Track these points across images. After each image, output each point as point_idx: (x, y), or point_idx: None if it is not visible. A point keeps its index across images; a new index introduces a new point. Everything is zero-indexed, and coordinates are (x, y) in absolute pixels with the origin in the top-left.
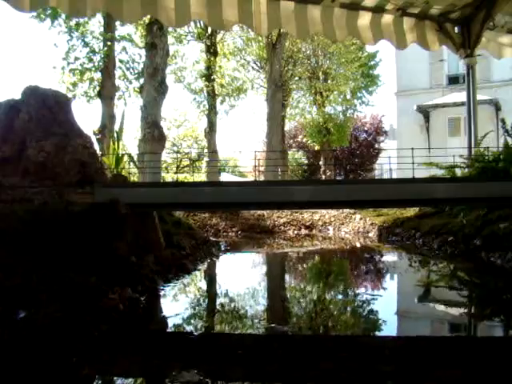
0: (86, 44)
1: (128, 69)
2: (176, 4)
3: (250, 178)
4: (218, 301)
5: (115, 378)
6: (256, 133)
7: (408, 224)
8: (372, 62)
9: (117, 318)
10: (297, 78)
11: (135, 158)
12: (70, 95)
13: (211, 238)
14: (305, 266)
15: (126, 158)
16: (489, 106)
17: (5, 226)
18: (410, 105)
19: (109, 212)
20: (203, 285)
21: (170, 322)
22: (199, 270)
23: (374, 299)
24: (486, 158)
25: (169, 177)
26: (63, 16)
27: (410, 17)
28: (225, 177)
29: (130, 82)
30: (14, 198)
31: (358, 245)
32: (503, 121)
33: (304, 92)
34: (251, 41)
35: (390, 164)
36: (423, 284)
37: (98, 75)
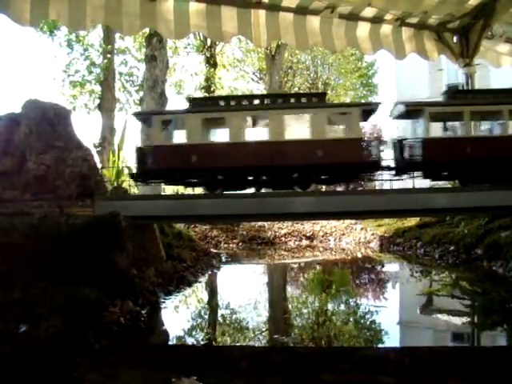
0: (87, 57)
1: (128, 81)
2: (175, 16)
3: (251, 190)
4: (220, 313)
5: None
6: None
7: (409, 234)
8: (371, 71)
9: (118, 331)
10: (296, 89)
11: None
12: (70, 107)
13: (212, 250)
14: (306, 276)
15: (126, 170)
16: None
17: (5, 239)
18: None
19: (109, 225)
20: (204, 297)
21: (172, 335)
22: (200, 281)
23: (376, 310)
24: None
25: (169, 189)
26: (61, 28)
27: (408, 27)
28: None
29: (131, 95)
30: (15, 211)
31: (360, 255)
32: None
33: None
34: (250, 52)
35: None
36: (426, 294)
37: (97, 88)
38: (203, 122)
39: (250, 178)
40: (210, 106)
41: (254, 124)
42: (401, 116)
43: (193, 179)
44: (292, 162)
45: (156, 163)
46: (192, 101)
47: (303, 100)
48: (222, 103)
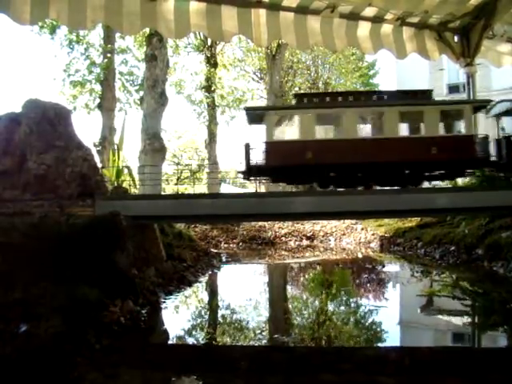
0: (87, 56)
1: (128, 81)
2: (176, 16)
3: (251, 189)
4: (220, 313)
5: None
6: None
7: (409, 234)
8: (371, 71)
9: (118, 331)
10: (297, 89)
11: (136, 169)
12: (70, 107)
13: (212, 250)
14: (306, 276)
15: (125, 170)
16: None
17: (5, 239)
18: None
19: (109, 224)
20: (205, 297)
21: (172, 335)
22: (200, 281)
23: (376, 310)
24: None
25: (169, 188)
26: (61, 28)
27: (409, 26)
28: (225, 188)
29: (131, 94)
30: (15, 211)
31: (360, 255)
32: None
33: None
34: (251, 52)
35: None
36: (426, 294)
37: (98, 87)
38: (317, 119)
39: (362, 175)
40: (321, 102)
41: (365, 120)
42: (506, 113)
43: (305, 176)
44: (404, 158)
45: (267, 160)
46: (299, 97)
47: (410, 97)
48: (328, 99)
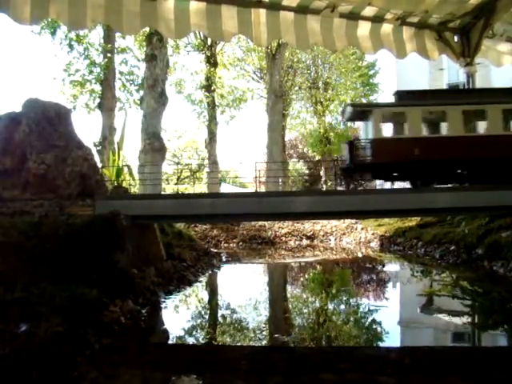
0: (87, 56)
1: (128, 80)
2: (176, 15)
3: (251, 189)
4: (220, 313)
5: None
6: (257, 143)
7: (409, 234)
8: (372, 71)
9: (118, 330)
10: (297, 88)
11: (136, 169)
12: (70, 106)
13: (212, 249)
14: (306, 276)
15: (125, 169)
16: None
17: (5, 238)
18: None
19: (109, 224)
20: (205, 296)
21: (172, 335)
22: (200, 281)
23: (376, 310)
24: None
25: (169, 188)
26: (61, 28)
27: (409, 26)
28: (225, 187)
29: (131, 94)
30: (15, 210)
31: (360, 255)
32: None
33: (304, 102)
34: (251, 51)
35: None
36: (426, 294)
37: (98, 87)
38: (423, 116)
39: (464, 172)
40: (425, 100)
41: (469, 117)
42: None
43: (410, 173)
44: (507, 155)
45: (374, 157)
46: (400, 94)
47: (505, 95)
48: (431, 97)
